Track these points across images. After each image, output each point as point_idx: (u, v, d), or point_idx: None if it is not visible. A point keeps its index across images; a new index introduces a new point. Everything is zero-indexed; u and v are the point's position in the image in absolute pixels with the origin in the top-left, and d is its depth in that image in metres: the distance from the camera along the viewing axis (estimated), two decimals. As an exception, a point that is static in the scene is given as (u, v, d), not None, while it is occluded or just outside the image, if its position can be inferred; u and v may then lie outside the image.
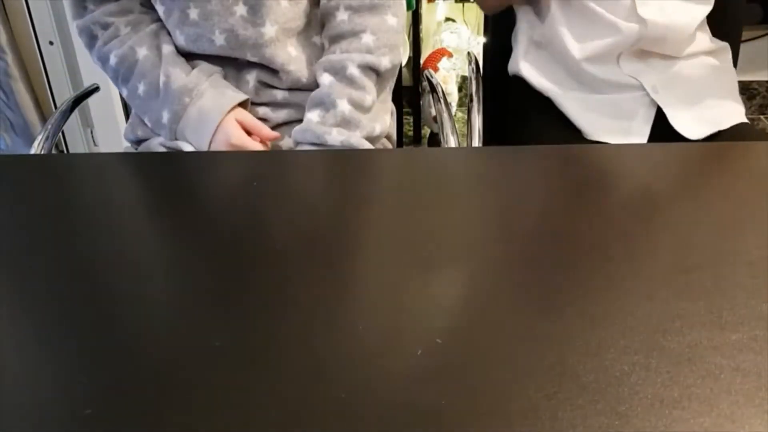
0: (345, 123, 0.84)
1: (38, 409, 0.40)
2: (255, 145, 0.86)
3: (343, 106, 0.83)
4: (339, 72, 0.84)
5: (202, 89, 0.86)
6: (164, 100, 0.86)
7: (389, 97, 0.94)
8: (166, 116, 0.87)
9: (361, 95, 0.85)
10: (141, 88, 0.88)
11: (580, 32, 1.05)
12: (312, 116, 0.85)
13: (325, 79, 0.85)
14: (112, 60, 0.88)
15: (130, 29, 0.88)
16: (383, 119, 0.91)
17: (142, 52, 0.87)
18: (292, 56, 0.87)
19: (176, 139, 0.89)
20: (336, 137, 0.83)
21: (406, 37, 2.18)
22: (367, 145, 0.87)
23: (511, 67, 1.15)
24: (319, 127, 0.83)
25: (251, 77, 0.89)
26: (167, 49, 0.88)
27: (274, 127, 0.91)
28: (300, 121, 0.91)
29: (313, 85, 0.89)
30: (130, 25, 0.88)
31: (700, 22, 1.05)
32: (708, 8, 1.05)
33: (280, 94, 0.89)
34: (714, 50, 1.09)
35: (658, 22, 1.00)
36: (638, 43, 1.02)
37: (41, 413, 0.40)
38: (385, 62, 0.85)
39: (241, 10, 0.84)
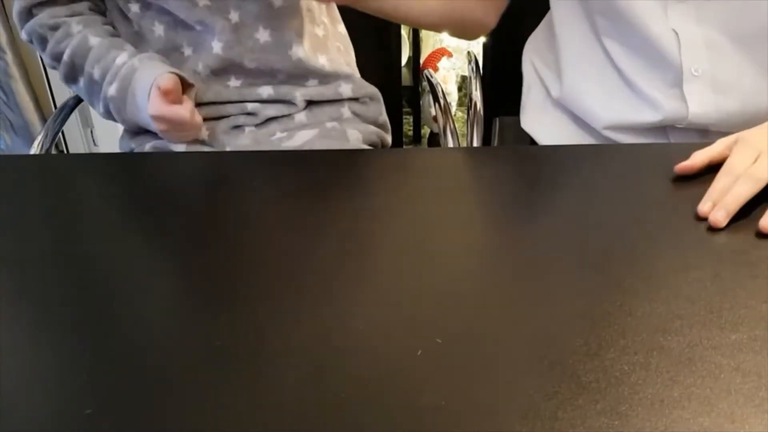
0: None
1: (38, 408, 0.40)
2: (174, 112, 0.81)
3: None
4: None
5: (142, 61, 0.84)
6: (113, 78, 0.85)
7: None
8: (114, 89, 0.85)
9: None
10: (97, 73, 0.86)
11: (608, 99, 0.83)
12: None
13: None
14: (66, 55, 0.86)
15: (83, 26, 0.87)
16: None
17: (96, 40, 0.86)
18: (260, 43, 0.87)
19: (125, 120, 0.87)
20: None
21: (406, 37, 2.18)
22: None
23: (524, 125, 0.97)
24: None
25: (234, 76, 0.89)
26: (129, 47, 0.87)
27: (263, 123, 0.90)
28: (289, 116, 0.90)
29: (296, 76, 0.89)
30: (82, 23, 0.87)
31: None
32: None
33: (265, 91, 0.89)
34: None
35: (707, 108, 0.78)
36: (685, 124, 0.80)
37: (42, 412, 0.40)
38: None
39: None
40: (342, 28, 1.00)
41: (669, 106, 0.78)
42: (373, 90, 0.98)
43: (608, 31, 0.81)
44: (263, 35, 0.86)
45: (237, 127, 0.90)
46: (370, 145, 0.95)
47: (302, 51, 0.89)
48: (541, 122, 0.94)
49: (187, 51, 0.87)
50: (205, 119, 0.89)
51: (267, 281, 0.51)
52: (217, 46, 0.85)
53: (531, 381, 0.40)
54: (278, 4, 0.85)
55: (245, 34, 0.85)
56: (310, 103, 0.92)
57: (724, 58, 0.77)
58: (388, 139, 1.00)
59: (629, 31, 0.78)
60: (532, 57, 0.96)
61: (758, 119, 0.77)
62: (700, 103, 0.78)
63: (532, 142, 0.96)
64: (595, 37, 0.83)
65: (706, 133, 0.82)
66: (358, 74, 0.99)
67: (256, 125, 0.90)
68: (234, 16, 0.84)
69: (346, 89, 0.93)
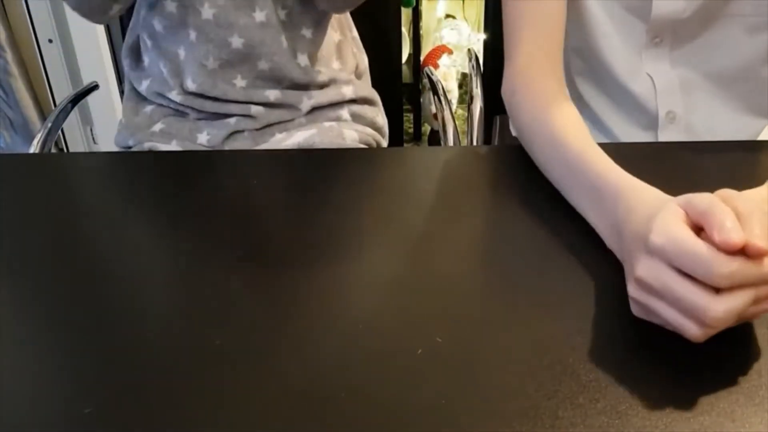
0: None
1: (39, 407, 0.40)
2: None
3: None
4: None
5: None
6: None
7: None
8: None
9: None
10: None
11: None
12: None
13: None
14: None
15: None
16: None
17: None
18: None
19: None
20: None
21: (407, 34, 2.17)
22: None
23: (514, 132, 0.95)
24: None
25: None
26: None
27: (264, 127, 0.90)
28: (291, 120, 0.90)
29: (303, 84, 0.89)
30: None
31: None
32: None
33: (272, 95, 0.89)
34: None
35: None
36: None
37: (42, 411, 0.40)
38: None
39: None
40: (355, 33, 1.00)
41: None
42: (372, 93, 0.98)
43: (582, 71, 0.81)
44: (284, 39, 0.86)
45: (237, 132, 0.90)
46: (366, 146, 0.95)
47: (311, 59, 0.89)
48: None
49: (192, 35, 0.85)
50: (207, 114, 0.89)
51: (266, 280, 0.51)
52: (237, 41, 0.84)
53: (531, 380, 0.40)
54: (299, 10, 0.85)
55: (269, 35, 0.85)
56: (314, 109, 0.92)
57: (699, 99, 0.77)
58: (384, 143, 1.00)
59: (604, 73, 0.78)
60: None
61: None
62: None
63: None
64: (567, 74, 0.83)
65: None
66: (363, 79, 0.98)
67: (256, 129, 0.90)
68: (260, 16, 0.84)
69: (348, 90, 0.93)
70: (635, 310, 0.44)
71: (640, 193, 0.49)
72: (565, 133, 0.59)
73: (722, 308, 0.38)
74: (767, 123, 0.80)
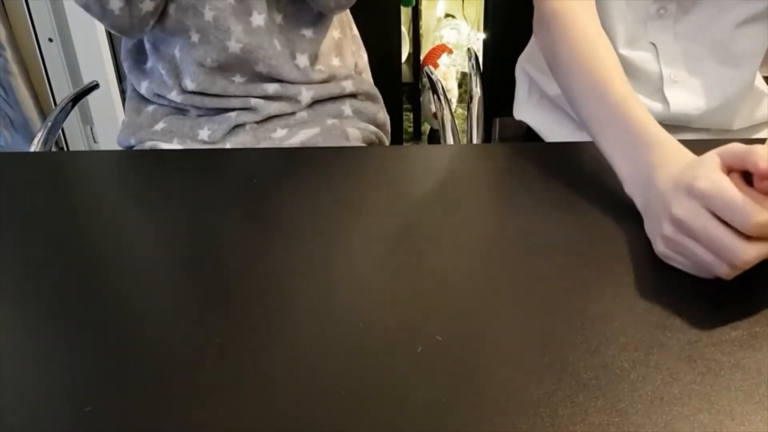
0: None
1: (39, 406, 0.40)
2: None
3: None
4: None
5: None
6: None
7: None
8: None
9: None
10: None
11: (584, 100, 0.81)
12: None
13: None
14: None
15: None
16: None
17: None
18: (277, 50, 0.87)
19: None
20: None
21: (406, 33, 2.17)
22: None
23: (518, 115, 0.98)
24: None
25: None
26: None
27: (264, 120, 0.90)
28: (293, 114, 0.90)
29: (302, 82, 0.89)
30: None
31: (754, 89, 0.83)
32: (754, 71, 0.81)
33: (271, 87, 0.89)
34: None
35: (688, 103, 0.80)
36: (667, 122, 0.81)
37: (42, 410, 0.40)
38: None
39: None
40: (356, 31, 1.00)
41: (651, 107, 0.80)
42: (373, 89, 0.99)
43: None
44: (280, 41, 0.86)
45: (238, 125, 0.90)
46: (368, 144, 0.95)
47: (310, 59, 0.89)
48: (534, 118, 0.95)
49: (194, 37, 0.86)
50: (208, 110, 0.89)
51: (267, 279, 0.51)
52: (234, 47, 0.84)
53: (531, 378, 0.40)
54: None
55: (266, 39, 0.85)
56: (315, 102, 0.92)
57: (701, 65, 0.80)
58: (386, 141, 1.01)
59: (611, 38, 0.79)
60: (525, 66, 0.97)
61: (738, 113, 0.83)
62: (681, 104, 0.81)
63: (527, 137, 0.96)
64: None
65: (687, 130, 0.85)
66: (364, 75, 0.99)
67: (257, 122, 0.90)
68: (258, 20, 0.84)
69: (347, 84, 0.94)
70: (661, 249, 0.49)
71: (675, 148, 0.53)
72: (611, 77, 0.62)
73: (754, 254, 0.43)
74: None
